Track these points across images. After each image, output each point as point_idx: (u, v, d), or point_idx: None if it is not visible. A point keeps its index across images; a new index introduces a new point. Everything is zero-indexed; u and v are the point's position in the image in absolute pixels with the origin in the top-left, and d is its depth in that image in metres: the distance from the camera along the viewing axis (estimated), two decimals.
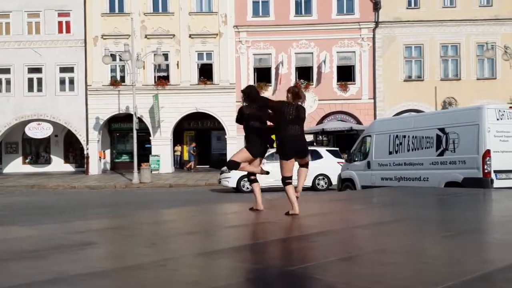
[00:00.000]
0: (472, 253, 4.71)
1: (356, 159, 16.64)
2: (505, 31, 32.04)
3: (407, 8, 32.90)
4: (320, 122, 32.80)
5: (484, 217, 7.75)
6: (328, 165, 22.19)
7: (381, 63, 32.81)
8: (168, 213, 9.33)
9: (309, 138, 32.83)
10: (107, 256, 4.95)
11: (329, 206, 8.19)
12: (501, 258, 4.45)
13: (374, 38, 32.97)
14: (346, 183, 16.89)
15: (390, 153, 15.28)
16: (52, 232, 6.26)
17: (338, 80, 32.79)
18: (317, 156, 22.20)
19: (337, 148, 25.24)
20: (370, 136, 16.18)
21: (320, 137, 32.94)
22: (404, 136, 14.82)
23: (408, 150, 14.67)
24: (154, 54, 31.03)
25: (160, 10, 33.79)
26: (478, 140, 12.62)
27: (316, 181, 22.46)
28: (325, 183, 22.58)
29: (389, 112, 32.07)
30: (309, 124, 32.60)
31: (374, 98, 32.74)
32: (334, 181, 20.04)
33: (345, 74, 32.33)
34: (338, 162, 21.49)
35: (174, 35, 33.40)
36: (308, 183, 21.02)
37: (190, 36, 33.38)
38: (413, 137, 14.52)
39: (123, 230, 6.65)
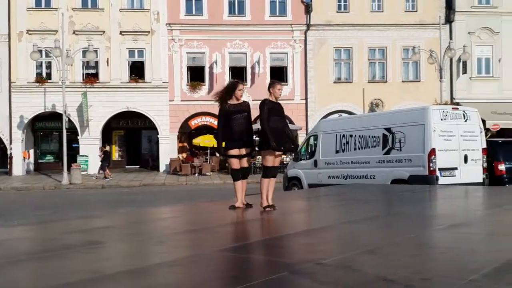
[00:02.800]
0: (480, 243, 4.96)
1: (303, 158, 16.93)
2: (428, 36, 33.47)
3: (337, 12, 33.72)
4: (254, 122, 32.92)
5: (463, 211, 8.11)
6: None
7: (312, 65, 33.47)
8: (152, 212, 9.13)
9: None
10: (125, 254, 4.81)
11: (305, 204, 8.32)
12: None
13: (305, 40, 33.58)
14: (292, 182, 17.14)
15: (337, 152, 15.68)
16: (48, 232, 6.02)
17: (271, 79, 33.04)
18: None
19: None
20: (316, 135, 16.53)
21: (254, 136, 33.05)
22: (351, 136, 15.25)
23: (355, 149, 15.12)
24: (84, 51, 30.13)
25: (89, 6, 32.84)
26: (424, 139, 13.19)
27: None
28: None
29: (320, 113, 32.77)
30: None
31: (306, 99, 33.36)
32: None
33: (278, 75, 32.69)
34: None
35: (104, 32, 32.57)
36: None
37: (121, 33, 32.66)
38: (359, 136, 14.97)
39: (120, 229, 6.49)
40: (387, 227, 6.06)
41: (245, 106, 7.74)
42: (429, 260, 4.26)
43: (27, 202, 19.61)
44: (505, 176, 14.51)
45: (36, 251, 4.92)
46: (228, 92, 7.68)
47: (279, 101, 7.84)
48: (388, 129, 14.15)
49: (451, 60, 31.98)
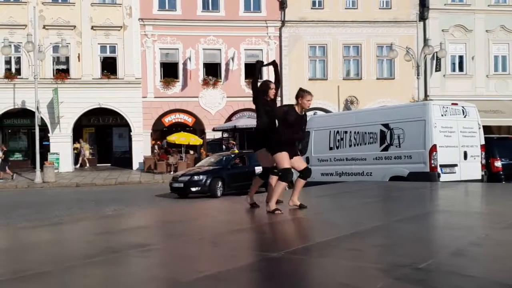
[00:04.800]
0: None
1: None
2: (402, 33, 33.63)
3: (311, 8, 33.51)
4: (229, 119, 32.61)
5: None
6: None
7: (287, 62, 33.21)
8: (174, 211, 8.63)
9: (218, 135, 32.62)
10: (185, 258, 4.37)
11: (331, 202, 7.97)
12: None
13: (280, 37, 33.30)
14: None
15: (331, 148, 15.42)
16: (74, 234, 5.52)
17: (246, 77, 32.73)
18: None
19: None
20: (308, 131, 16.20)
21: (227, 134, 32.66)
22: (346, 132, 15.01)
23: (350, 146, 14.88)
24: (54, 46, 29.17)
25: (60, 0, 31.82)
26: (425, 135, 13.02)
27: None
28: None
29: None
30: (218, 121, 32.39)
31: (281, 96, 32.99)
32: None
33: (253, 71, 32.27)
34: None
35: (75, 26, 31.57)
36: None
37: (92, 27, 31.71)
38: (355, 132, 14.74)
39: (155, 229, 6.03)
40: (446, 226, 5.78)
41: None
42: None
43: (5, 202, 18.73)
44: (501, 172, 14.50)
45: (82, 255, 4.43)
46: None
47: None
48: (386, 125, 13.95)
49: (425, 57, 32.17)
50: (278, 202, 7.12)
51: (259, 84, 7.49)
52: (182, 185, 19.20)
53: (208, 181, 19.10)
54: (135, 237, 5.41)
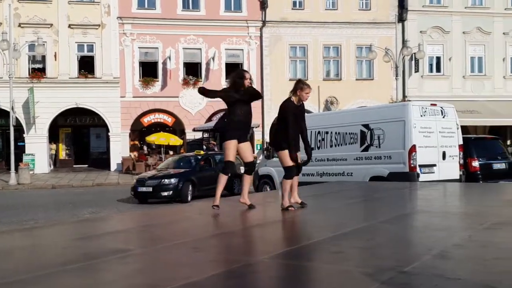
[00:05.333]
0: None
1: (275, 155, 16.52)
2: (381, 34, 33.83)
3: (292, 9, 33.54)
4: (209, 119, 32.46)
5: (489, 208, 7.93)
6: None
7: (268, 62, 33.18)
8: (154, 214, 8.49)
9: (198, 135, 32.44)
10: (168, 264, 4.26)
11: (314, 203, 7.91)
12: None
13: (261, 37, 33.25)
14: (263, 180, 16.76)
15: (312, 149, 15.36)
16: (51, 239, 5.38)
17: (227, 77, 32.58)
18: None
19: None
20: None
21: (207, 134, 32.49)
22: (327, 132, 14.99)
23: (331, 146, 14.87)
24: (30, 44, 28.79)
25: None
26: (405, 135, 13.05)
27: None
28: None
29: (276, 111, 32.27)
30: (198, 121, 32.22)
31: (262, 96, 33.01)
32: None
33: (234, 71, 32.19)
34: None
35: (51, 25, 31.16)
36: None
37: (69, 26, 31.33)
38: (336, 133, 14.73)
39: (135, 233, 5.92)
40: (428, 227, 5.75)
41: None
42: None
43: None
44: (479, 172, 14.61)
45: (58, 262, 4.31)
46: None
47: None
48: (366, 126, 13.95)
49: (403, 58, 32.36)
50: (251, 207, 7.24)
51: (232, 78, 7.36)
52: (150, 189, 17.55)
53: (180, 185, 17.71)
54: (114, 242, 5.29)
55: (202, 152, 21.05)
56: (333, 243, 4.89)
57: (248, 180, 7.36)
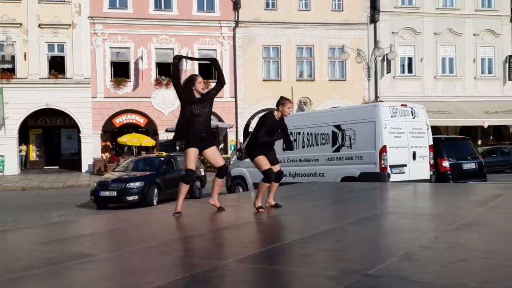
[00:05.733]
0: None
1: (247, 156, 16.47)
2: (354, 35, 34.06)
3: (265, 9, 33.57)
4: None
5: (458, 209, 7.97)
6: None
7: (241, 62, 33.14)
8: (123, 216, 8.34)
9: (171, 136, 32.16)
10: (134, 269, 4.18)
11: (285, 204, 7.85)
12: None
13: (234, 37, 33.22)
14: (236, 181, 16.69)
15: (284, 149, 15.32)
16: (16, 243, 5.25)
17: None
18: None
19: None
20: None
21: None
22: (299, 133, 14.99)
23: (303, 147, 14.87)
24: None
25: None
26: (375, 136, 13.11)
27: None
28: None
29: (249, 111, 32.57)
30: (171, 122, 31.95)
31: (235, 96, 32.97)
32: None
33: (207, 72, 32.07)
34: None
35: (21, 24, 30.65)
36: None
37: (39, 26, 30.86)
38: (308, 133, 14.75)
39: (101, 237, 5.80)
40: (396, 228, 5.76)
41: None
42: (472, 263, 3.97)
43: None
44: (449, 172, 14.76)
45: (20, 267, 4.19)
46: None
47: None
48: (338, 126, 13.99)
49: (376, 59, 32.61)
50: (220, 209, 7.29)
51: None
52: (114, 193, 16.36)
53: (147, 189, 16.67)
54: (79, 246, 5.19)
55: (164, 154, 19.79)
56: (301, 245, 4.86)
57: (219, 183, 7.33)
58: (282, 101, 7.43)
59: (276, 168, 7.39)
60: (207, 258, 4.42)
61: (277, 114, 7.38)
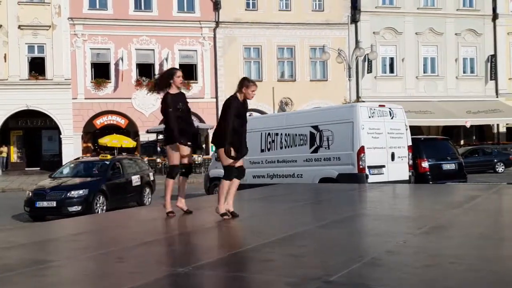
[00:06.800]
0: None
1: None
2: (335, 35, 34.06)
3: (245, 10, 33.45)
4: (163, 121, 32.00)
5: (426, 211, 7.90)
6: None
7: (222, 63, 32.99)
8: (94, 220, 8.16)
9: (152, 137, 32.01)
10: (87, 277, 4.04)
11: (258, 206, 7.75)
12: None
13: (215, 37, 33.07)
14: (214, 182, 16.52)
15: (262, 150, 15.24)
16: None
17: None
18: None
19: None
20: None
21: (161, 135, 32.02)
22: (277, 134, 14.88)
23: (281, 148, 14.76)
24: None
25: None
26: (353, 137, 13.03)
27: None
28: None
29: None
30: (152, 123, 31.78)
31: (216, 97, 32.80)
32: None
33: (188, 72, 31.90)
34: None
35: (1, 26, 30.29)
36: None
37: (19, 27, 30.52)
38: (286, 134, 14.64)
39: (64, 242, 5.64)
40: (366, 232, 5.67)
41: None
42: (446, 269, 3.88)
43: None
44: (428, 173, 14.73)
45: None
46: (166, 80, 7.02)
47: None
48: (316, 127, 13.89)
49: (357, 59, 32.62)
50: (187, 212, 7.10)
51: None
52: (54, 203, 14.05)
53: (91, 197, 14.45)
54: (36, 252, 5.05)
55: (109, 156, 17.66)
56: (264, 250, 4.75)
57: (184, 184, 7.12)
58: (245, 82, 6.70)
59: (238, 163, 6.64)
60: (165, 265, 4.29)
61: (240, 97, 6.65)
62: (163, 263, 4.39)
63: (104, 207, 14.76)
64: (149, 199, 17.41)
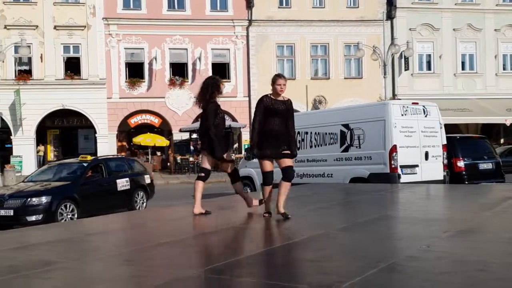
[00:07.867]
0: None
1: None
2: (370, 32, 33.51)
3: (279, 8, 33.20)
4: (197, 120, 32.04)
5: (461, 213, 7.59)
6: None
7: (255, 61, 32.81)
8: (104, 220, 8.10)
9: (185, 136, 32.11)
10: (94, 280, 3.91)
11: (291, 207, 7.50)
12: None
13: (247, 36, 32.90)
14: (244, 182, 16.36)
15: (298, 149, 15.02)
16: None
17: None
18: None
19: None
20: None
21: (194, 135, 32.09)
22: (307, 133, 14.64)
23: (311, 147, 14.51)
24: (16, 46, 28.39)
25: (22, 0, 31.06)
26: (385, 135, 12.67)
27: None
28: None
29: None
30: (185, 122, 31.88)
31: (249, 96, 32.66)
32: None
33: (221, 71, 31.82)
34: None
35: (37, 26, 30.77)
36: None
37: (55, 27, 30.96)
38: (316, 133, 14.38)
39: (72, 243, 5.55)
40: (389, 235, 5.41)
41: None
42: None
43: None
44: (464, 173, 14.25)
45: None
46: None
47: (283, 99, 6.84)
48: (346, 126, 13.59)
49: (393, 56, 32.08)
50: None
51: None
52: (11, 212, 12.31)
53: (55, 205, 12.60)
54: (44, 253, 4.95)
55: (89, 158, 15.27)
56: (280, 254, 4.55)
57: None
58: (273, 78, 6.88)
59: (285, 163, 6.55)
60: (173, 267, 4.12)
61: (273, 95, 6.77)
62: (172, 266, 4.21)
63: (75, 215, 12.95)
64: (143, 203, 15.63)
